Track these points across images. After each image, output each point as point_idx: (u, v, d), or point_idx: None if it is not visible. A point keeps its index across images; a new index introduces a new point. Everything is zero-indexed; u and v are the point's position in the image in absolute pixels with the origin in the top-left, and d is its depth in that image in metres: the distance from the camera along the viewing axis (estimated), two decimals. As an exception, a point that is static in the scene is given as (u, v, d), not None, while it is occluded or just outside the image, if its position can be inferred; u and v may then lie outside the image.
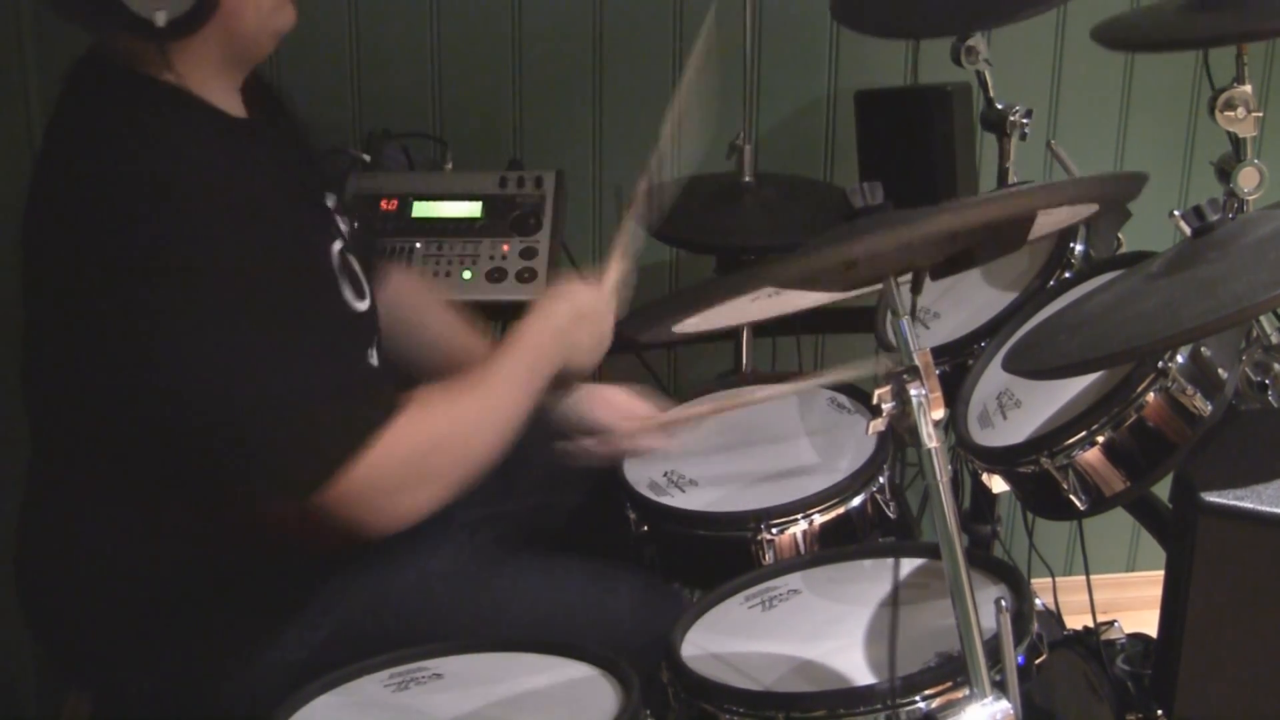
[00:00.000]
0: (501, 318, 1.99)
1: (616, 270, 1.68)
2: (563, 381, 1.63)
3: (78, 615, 1.52)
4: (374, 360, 1.58)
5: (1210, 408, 1.47)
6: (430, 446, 1.44)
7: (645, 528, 1.68)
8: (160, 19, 1.39)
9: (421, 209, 2.12)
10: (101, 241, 1.37)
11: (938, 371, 1.20)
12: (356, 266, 1.59)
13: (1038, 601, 1.65)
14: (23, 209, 1.50)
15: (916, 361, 1.19)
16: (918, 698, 1.25)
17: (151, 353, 1.37)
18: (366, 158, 2.21)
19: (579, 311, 1.62)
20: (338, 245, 1.56)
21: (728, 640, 1.44)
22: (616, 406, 1.76)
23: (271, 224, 1.43)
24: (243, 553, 1.49)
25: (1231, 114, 1.82)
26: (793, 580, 1.54)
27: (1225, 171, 1.85)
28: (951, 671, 1.26)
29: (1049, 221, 1.35)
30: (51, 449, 1.54)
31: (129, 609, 1.49)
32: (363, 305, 1.57)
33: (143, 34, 1.39)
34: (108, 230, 1.37)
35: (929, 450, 1.19)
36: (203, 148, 1.43)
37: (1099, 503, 1.52)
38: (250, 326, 1.37)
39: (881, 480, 1.66)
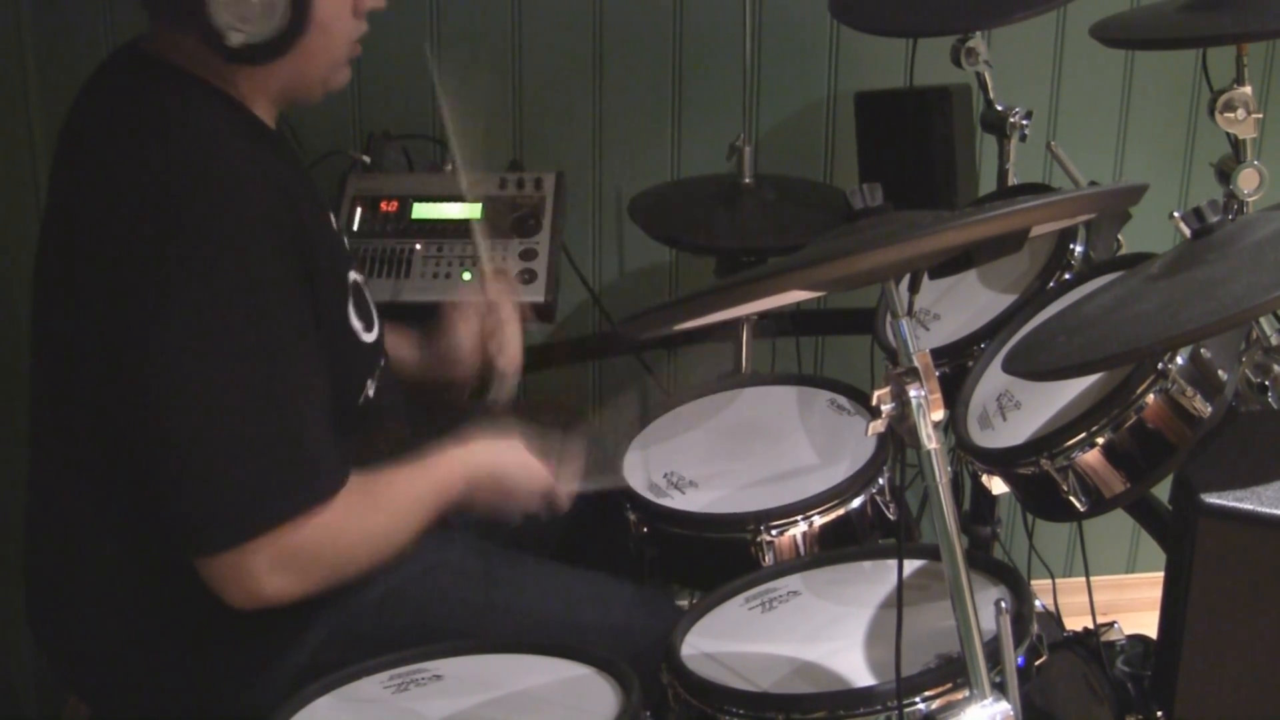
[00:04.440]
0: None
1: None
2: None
3: (83, 622, 1.52)
4: (370, 391, 1.57)
5: (1210, 409, 1.47)
6: (342, 547, 1.43)
7: (645, 529, 1.68)
8: (234, 40, 1.39)
9: (421, 210, 2.12)
10: (127, 238, 1.36)
11: (937, 373, 1.20)
12: (368, 295, 1.59)
13: (1037, 603, 1.64)
14: (44, 209, 1.50)
15: (916, 363, 1.19)
16: (918, 699, 1.25)
17: (141, 361, 1.36)
18: (366, 159, 2.21)
19: (505, 471, 1.59)
20: (353, 274, 1.56)
21: (728, 642, 1.44)
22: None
23: (303, 248, 1.42)
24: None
25: (1231, 115, 1.82)
26: (792, 582, 1.55)
27: (1225, 173, 1.85)
28: (952, 673, 1.26)
29: (1048, 223, 1.35)
30: (54, 454, 1.53)
31: (134, 614, 1.49)
32: (370, 336, 1.57)
33: (213, 47, 1.39)
34: (132, 228, 1.36)
35: (929, 452, 1.19)
36: (250, 156, 1.42)
37: (1099, 504, 1.52)
38: (244, 361, 1.36)
39: (881, 482, 1.66)
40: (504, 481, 1.58)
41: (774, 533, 1.60)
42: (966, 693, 1.21)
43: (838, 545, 1.62)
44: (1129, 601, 2.34)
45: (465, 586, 1.59)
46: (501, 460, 1.59)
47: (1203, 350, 1.48)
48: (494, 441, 1.60)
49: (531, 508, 1.60)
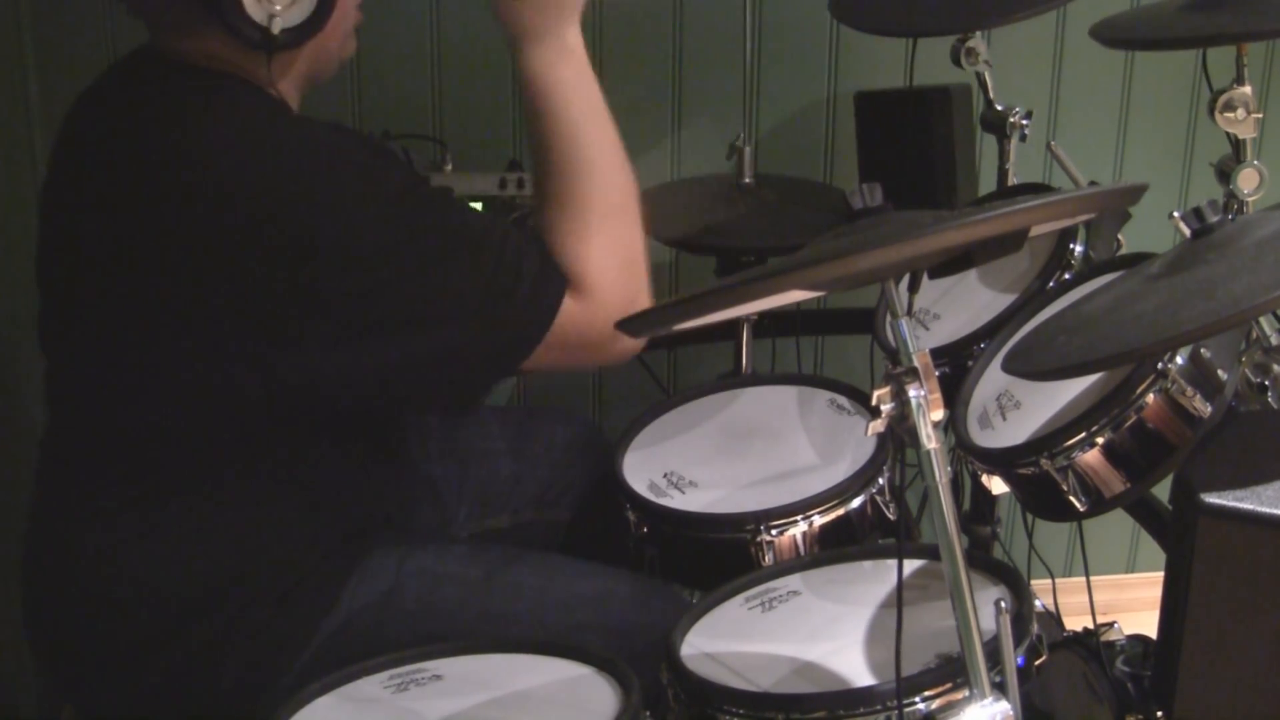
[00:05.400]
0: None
1: None
2: None
3: (79, 627, 1.52)
4: None
5: (1210, 409, 1.47)
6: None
7: (645, 529, 1.68)
8: (276, 26, 1.37)
9: (421, 210, 2.12)
10: (266, 224, 1.37)
11: (937, 373, 1.20)
12: None
13: (1037, 603, 1.64)
14: (70, 209, 1.51)
15: (916, 363, 1.19)
16: (918, 699, 1.25)
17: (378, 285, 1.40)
18: (366, 159, 2.21)
19: None
20: None
21: (727, 641, 1.44)
22: None
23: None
24: (244, 559, 1.49)
25: (1231, 115, 1.82)
26: (792, 581, 1.55)
27: (1225, 173, 1.85)
28: (951, 673, 1.26)
29: (1048, 223, 1.35)
30: (62, 454, 1.53)
31: (130, 620, 1.49)
32: None
33: (253, 42, 1.37)
34: (274, 217, 1.37)
35: (928, 452, 1.19)
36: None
37: (1099, 504, 1.52)
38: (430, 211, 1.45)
39: (881, 481, 1.66)
40: None
41: (774, 533, 1.60)
42: (966, 693, 1.21)
43: (838, 545, 1.62)
44: (1129, 601, 2.34)
45: (463, 588, 1.59)
46: None
47: (1203, 350, 1.48)
48: None
49: None
